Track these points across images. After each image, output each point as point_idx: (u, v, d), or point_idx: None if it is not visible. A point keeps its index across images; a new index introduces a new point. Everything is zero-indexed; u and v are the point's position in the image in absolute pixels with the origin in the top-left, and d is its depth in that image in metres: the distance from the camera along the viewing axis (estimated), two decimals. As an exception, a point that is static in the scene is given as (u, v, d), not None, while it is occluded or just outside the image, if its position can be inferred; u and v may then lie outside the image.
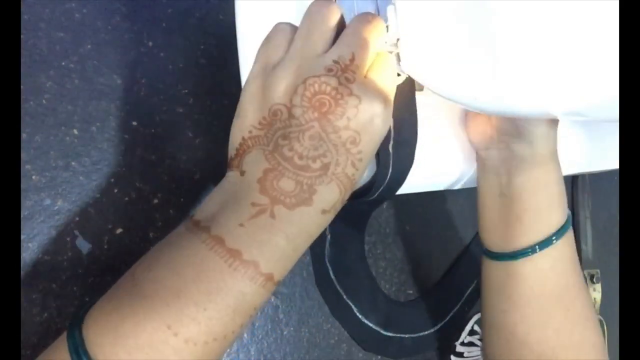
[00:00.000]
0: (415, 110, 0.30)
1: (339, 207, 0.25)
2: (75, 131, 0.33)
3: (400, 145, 0.29)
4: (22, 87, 0.31)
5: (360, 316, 0.41)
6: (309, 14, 0.26)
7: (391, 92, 0.26)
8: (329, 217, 0.25)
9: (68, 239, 0.32)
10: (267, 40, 0.27)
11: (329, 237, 0.41)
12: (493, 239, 0.35)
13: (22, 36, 0.32)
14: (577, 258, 0.34)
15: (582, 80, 0.17)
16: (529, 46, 0.17)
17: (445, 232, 0.48)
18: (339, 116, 0.23)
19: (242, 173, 0.24)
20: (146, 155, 0.35)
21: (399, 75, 0.28)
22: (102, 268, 0.33)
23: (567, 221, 0.33)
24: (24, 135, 0.31)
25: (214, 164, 0.37)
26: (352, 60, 0.24)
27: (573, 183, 0.52)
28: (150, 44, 0.36)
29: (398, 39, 0.26)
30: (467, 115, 0.35)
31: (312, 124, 0.23)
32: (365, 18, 0.25)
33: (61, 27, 0.33)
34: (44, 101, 0.32)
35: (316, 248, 0.41)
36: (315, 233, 0.25)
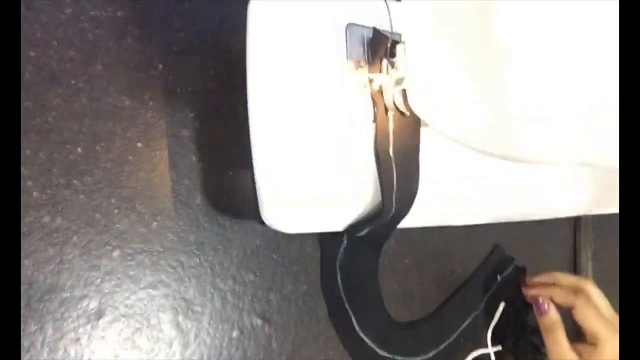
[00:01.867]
0: (419, 143, 0.30)
1: None
2: (80, 150, 0.33)
3: (404, 175, 0.29)
4: (29, 103, 0.32)
5: (357, 329, 0.40)
6: None
7: None
8: None
9: (65, 257, 0.32)
10: None
11: (345, 242, 0.40)
12: None
13: (33, 54, 0.32)
14: None
15: (592, 135, 0.17)
16: (541, 102, 0.17)
17: (444, 267, 0.47)
18: None
19: None
20: (149, 177, 0.34)
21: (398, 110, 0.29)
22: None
23: None
24: (28, 152, 0.31)
25: (215, 188, 0.37)
26: None
27: (575, 224, 0.52)
28: (160, 66, 0.36)
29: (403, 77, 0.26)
30: None
31: None
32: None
33: (73, 46, 0.33)
34: (50, 118, 0.32)
35: (329, 249, 0.40)
36: None
